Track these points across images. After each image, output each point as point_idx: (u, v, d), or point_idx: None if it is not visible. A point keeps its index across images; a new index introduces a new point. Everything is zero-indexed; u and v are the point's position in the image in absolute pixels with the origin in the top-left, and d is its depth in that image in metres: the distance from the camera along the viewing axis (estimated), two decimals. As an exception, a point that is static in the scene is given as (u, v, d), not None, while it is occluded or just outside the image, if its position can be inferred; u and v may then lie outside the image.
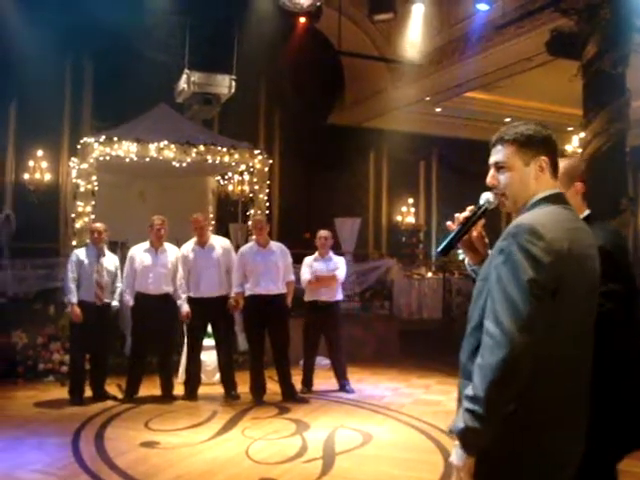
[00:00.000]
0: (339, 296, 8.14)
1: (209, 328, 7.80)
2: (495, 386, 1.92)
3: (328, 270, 8.02)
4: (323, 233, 8.20)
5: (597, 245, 2.19)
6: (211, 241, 7.76)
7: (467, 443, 2.00)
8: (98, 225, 7.59)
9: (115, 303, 7.56)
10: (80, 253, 7.46)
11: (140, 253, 7.64)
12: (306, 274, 7.99)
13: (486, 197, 2.30)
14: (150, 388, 7.71)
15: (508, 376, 1.92)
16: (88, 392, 7.43)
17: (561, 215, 2.13)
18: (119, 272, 7.68)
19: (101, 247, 7.53)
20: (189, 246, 7.75)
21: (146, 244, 7.70)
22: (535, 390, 1.98)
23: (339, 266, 8.09)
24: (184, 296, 7.59)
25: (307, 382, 8.04)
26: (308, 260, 8.17)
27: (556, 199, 2.17)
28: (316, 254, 8.17)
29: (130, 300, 7.59)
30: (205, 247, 7.69)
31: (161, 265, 7.60)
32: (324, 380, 8.17)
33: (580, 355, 2.09)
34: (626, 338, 2.67)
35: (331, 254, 8.22)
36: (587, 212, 2.91)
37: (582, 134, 7.86)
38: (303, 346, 8.16)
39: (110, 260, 7.59)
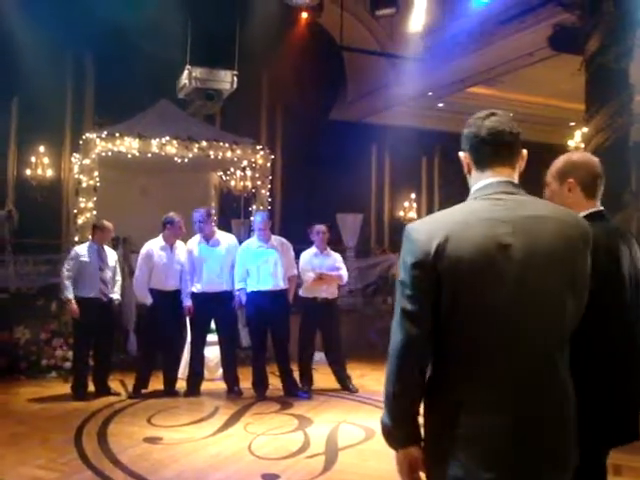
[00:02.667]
0: (336, 293, 8.06)
1: (212, 324, 7.80)
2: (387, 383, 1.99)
3: (328, 266, 7.90)
4: (321, 227, 8.01)
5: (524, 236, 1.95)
6: (217, 236, 7.76)
7: (383, 435, 2.03)
8: (109, 224, 7.59)
9: (117, 297, 7.59)
10: (80, 250, 7.45)
11: (157, 250, 7.60)
12: (308, 272, 7.84)
13: None
14: (153, 384, 7.70)
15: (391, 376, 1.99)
16: (90, 388, 7.45)
17: (462, 209, 2.03)
18: (118, 266, 7.70)
19: (104, 244, 7.57)
20: (195, 240, 7.76)
21: (160, 240, 7.67)
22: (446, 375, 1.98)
23: (340, 265, 7.98)
24: (187, 290, 7.60)
25: (307, 380, 7.85)
26: (307, 256, 7.99)
27: (477, 193, 2.07)
28: (314, 249, 8.01)
29: (148, 298, 7.52)
30: (210, 242, 7.69)
31: (177, 262, 7.62)
32: (325, 376, 8.14)
33: (505, 343, 1.91)
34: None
35: (328, 249, 8.11)
36: (590, 210, 2.71)
37: (585, 129, 7.81)
38: (299, 343, 7.93)
39: (110, 255, 7.61)
